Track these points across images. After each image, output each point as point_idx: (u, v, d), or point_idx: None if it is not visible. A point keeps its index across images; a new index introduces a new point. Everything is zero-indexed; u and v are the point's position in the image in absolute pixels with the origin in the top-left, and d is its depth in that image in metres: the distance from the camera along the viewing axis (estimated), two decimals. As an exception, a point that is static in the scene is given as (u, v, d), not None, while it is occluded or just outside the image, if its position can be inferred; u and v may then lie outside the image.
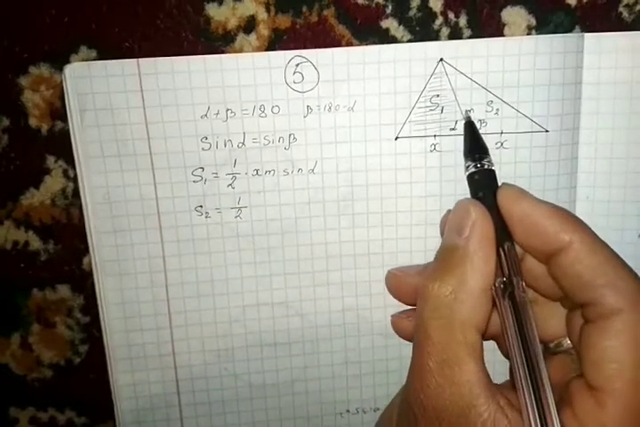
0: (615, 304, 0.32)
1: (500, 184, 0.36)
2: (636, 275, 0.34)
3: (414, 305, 0.37)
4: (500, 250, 0.35)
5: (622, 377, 0.32)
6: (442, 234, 0.37)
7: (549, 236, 0.34)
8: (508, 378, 0.36)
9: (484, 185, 0.37)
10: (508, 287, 0.35)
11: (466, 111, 0.45)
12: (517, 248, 0.36)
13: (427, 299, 0.35)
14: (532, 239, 0.35)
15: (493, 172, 0.37)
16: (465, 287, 0.34)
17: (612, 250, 0.34)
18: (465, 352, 0.33)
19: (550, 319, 0.38)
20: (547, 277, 0.36)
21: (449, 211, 0.37)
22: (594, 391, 0.32)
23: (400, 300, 0.38)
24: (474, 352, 0.34)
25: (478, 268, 0.34)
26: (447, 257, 0.36)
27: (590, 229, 0.34)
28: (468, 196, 0.45)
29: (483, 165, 0.37)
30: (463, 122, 0.39)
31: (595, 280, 0.33)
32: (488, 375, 0.34)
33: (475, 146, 0.37)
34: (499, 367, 0.38)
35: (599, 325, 0.33)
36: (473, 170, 0.37)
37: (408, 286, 0.38)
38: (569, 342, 0.37)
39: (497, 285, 0.35)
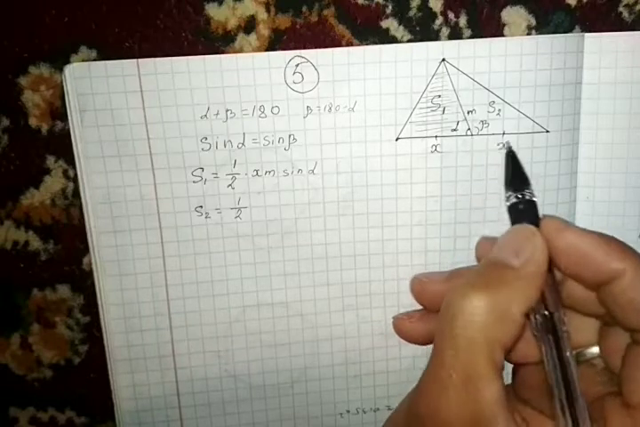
0: None
1: (541, 216, 0.36)
2: None
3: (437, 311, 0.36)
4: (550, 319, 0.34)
5: None
6: (477, 259, 0.37)
7: (599, 265, 0.34)
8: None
9: (525, 216, 0.36)
10: (548, 321, 0.34)
11: (507, 142, 0.44)
12: (557, 274, 0.35)
13: (459, 312, 0.34)
14: (580, 270, 0.34)
15: (535, 203, 0.36)
16: (509, 310, 0.33)
17: None
18: (492, 372, 0.33)
19: (579, 330, 0.37)
20: (587, 299, 0.35)
21: (483, 237, 0.37)
22: (632, 410, 0.32)
23: (424, 306, 0.37)
24: (498, 371, 0.33)
25: (527, 293, 0.34)
26: (495, 274, 0.35)
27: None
28: (469, 196, 0.45)
29: (524, 196, 0.36)
30: (505, 151, 0.38)
31: None
32: (507, 393, 0.33)
33: (517, 176, 0.37)
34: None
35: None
36: (514, 200, 0.36)
37: (433, 294, 0.37)
38: (593, 351, 0.37)
39: (538, 318, 0.34)
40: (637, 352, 0.33)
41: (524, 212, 0.36)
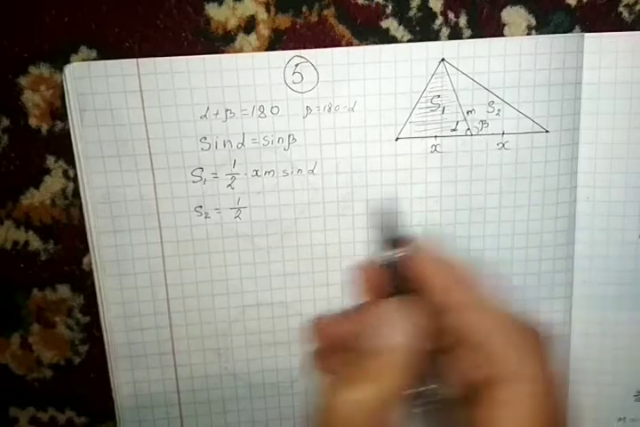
0: (499, 374, 0.34)
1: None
2: (521, 342, 0.35)
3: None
4: None
5: None
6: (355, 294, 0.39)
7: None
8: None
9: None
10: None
11: (382, 200, 0.45)
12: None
13: (339, 405, 0.35)
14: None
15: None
16: (385, 397, 0.35)
17: (501, 315, 0.36)
18: None
19: None
20: None
21: (359, 269, 0.39)
22: None
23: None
24: None
25: (400, 379, 0.35)
26: (368, 364, 0.36)
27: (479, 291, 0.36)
28: (468, 196, 0.45)
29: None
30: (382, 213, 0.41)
31: (483, 351, 0.35)
32: None
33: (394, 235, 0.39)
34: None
35: (486, 393, 0.34)
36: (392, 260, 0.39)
37: (333, 335, 0.40)
38: None
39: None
40: (485, 394, 0.35)
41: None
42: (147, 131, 0.44)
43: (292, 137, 0.45)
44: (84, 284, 0.48)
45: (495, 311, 0.36)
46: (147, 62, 0.43)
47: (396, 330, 0.36)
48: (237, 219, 0.46)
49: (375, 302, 0.39)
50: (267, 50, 0.44)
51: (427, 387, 0.37)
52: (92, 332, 0.49)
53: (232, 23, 0.44)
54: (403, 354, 0.35)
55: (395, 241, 0.39)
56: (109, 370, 0.48)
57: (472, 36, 0.45)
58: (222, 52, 0.44)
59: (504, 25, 0.45)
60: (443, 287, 0.37)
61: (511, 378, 0.34)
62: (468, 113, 0.45)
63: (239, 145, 0.45)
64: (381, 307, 0.37)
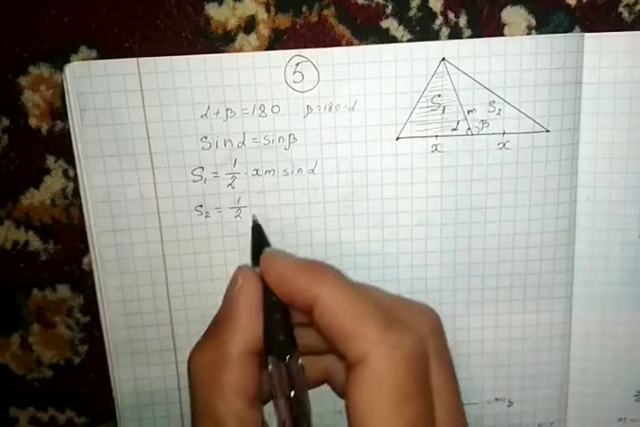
0: (358, 353, 0.32)
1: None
2: (386, 316, 0.34)
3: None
4: (283, 363, 0.35)
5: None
6: None
7: (299, 292, 0.34)
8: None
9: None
10: (281, 363, 0.35)
11: (253, 215, 0.44)
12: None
13: (192, 369, 0.36)
14: (287, 298, 0.35)
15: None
16: (223, 353, 0.35)
17: (358, 294, 0.34)
18: (232, 420, 0.34)
19: (313, 370, 0.39)
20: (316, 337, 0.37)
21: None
22: None
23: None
24: (241, 419, 0.34)
25: (237, 334, 0.35)
26: (212, 324, 0.37)
27: (337, 276, 0.35)
28: (469, 196, 0.45)
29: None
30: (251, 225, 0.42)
31: (340, 331, 0.33)
32: None
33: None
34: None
35: (350, 375, 0.33)
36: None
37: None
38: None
39: (270, 360, 0.35)
40: (350, 377, 0.33)
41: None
42: (147, 130, 0.44)
43: (292, 136, 0.45)
44: (84, 284, 0.48)
45: (348, 290, 0.34)
46: (147, 62, 0.43)
47: (237, 287, 0.36)
48: (238, 218, 0.46)
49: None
50: (267, 50, 0.44)
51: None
52: (92, 332, 0.49)
53: (232, 23, 0.44)
54: (241, 311, 0.35)
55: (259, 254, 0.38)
56: (110, 368, 0.48)
57: (472, 36, 0.45)
58: (222, 51, 0.44)
59: (504, 25, 0.45)
60: (288, 291, 0.36)
61: (366, 356, 0.32)
62: (468, 113, 0.45)
63: (240, 144, 0.45)
64: (235, 271, 0.37)
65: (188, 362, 0.36)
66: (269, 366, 0.35)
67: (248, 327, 0.35)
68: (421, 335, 0.34)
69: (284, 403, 0.35)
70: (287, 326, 0.36)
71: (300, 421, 0.35)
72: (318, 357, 0.39)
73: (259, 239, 0.40)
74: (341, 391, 0.40)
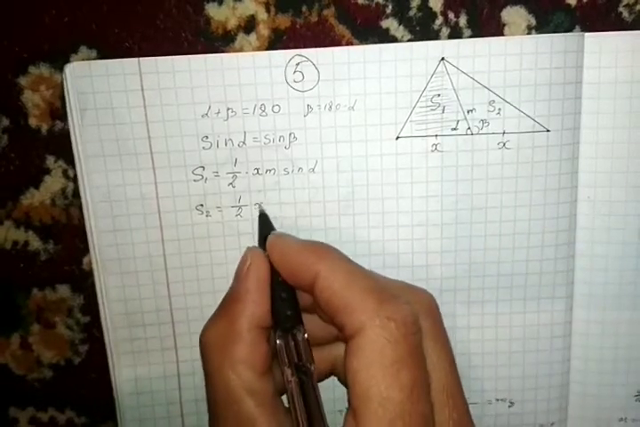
0: (355, 323, 0.34)
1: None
2: (382, 290, 0.35)
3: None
4: (292, 339, 0.37)
5: (367, 395, 0.32)
6: None
7: (301, 269, 0.36)
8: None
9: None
10: (288, 339, 0.37)
11: (259, 205, 0.46)
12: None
13: (203, 342, 0.38)
14: (292, 277, 0.37)
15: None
16: (233, 327, 0.36)
17: (357, 270, 0.36)
18: (243, 391, 0.35)
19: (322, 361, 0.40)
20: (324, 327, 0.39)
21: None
22: (354, 415, 0.33)
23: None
24: (251, 390, 0.35)
25: (246, 309, 0.37)
26: (223, 301, 0.39)
27: (338, 254, 0.37)
28: (469, 196, 0.45)
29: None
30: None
31: (339, 304, 0.35)
32: (277, 412, 0.36)
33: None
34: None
35: (348, 346, 0.34)
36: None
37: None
38: None
39: (278, 339, 0.37)
40: (345, 355, 0.34)
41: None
42: (148, 130, 0.44)
43: (292, 136, 0.45)
44: (84, 284, 0.48)
45: (347, 266, 0.36)
46: (148, 61, 0.43)
47: (246, 266, 0.38)
48: (239, 217, 0.46)
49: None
50: (267, 50, 0.45)
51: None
52: (92, 332, 0.49)
53: (232, 23, 0.44)
54: (250, 288, 0.37)
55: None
56: (110, 368, 0.47)
57: (472, 36, 0.45)
58: (222, 52, 0.44)
59: (504, 25, 0.45)
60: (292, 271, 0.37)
61: (363, 326, 0.33)
62: (468, 112, 0.45)
63: (240, 144, 0.45)
64: (245, 251, 0.39)
65: (200, 337, 0.38)
66: (277, 340, 0.37)
67: (257, 303, 0.37)
68: (415, 311, 0.35)
69: (292, 375, 0.36)
70: (293, 303, 0.38)
71: (309, 392, 0.36)
72: (324, 348, 0.40)
73: (265, 226, 0.42)
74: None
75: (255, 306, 0.37)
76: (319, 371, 0.39)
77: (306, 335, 0.37)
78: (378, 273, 0.40)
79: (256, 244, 0.46)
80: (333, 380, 0.41)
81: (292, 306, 0.38)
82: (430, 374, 0.35)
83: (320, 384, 0.37)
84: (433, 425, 0.34)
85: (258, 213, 0.44)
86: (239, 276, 0.38)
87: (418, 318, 0.35)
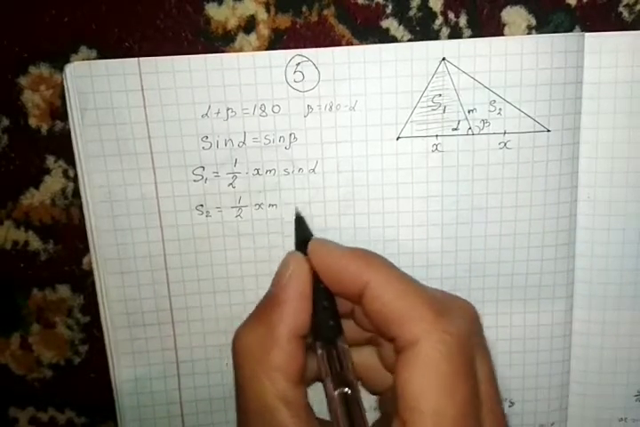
0: (410, 335, 0.33)
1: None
2: (437, 303, 0.35)
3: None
4: (333, 349, 0.37)
5: (419, 409, 0.32)
6: None
7: (349, 279, 0.36)
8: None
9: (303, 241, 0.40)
10: (331, 350, 0.37)
11: (296, 208, 0.45)
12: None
13: (238, 348, 0.37)
14: (337, 285, 0.37)
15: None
16: (272, 335, 0.36)
17: (409, 280, 0.36)
18: (277, 400, 0.35)
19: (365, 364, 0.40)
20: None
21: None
22: (403, 426, 0.33)
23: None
24: (285, 400, 0.35)
25: (287, 316, 0.36)
26: (261, 306, 0.38)
27: (388, 264, 0.37)
28: (470, 196, 0.45)
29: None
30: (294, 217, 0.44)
31: (391, 315, 0.34)
32: (310, 422, 0.35)
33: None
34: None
35: (401, 358, 0.34)
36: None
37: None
38: None
39: (319, 349, 0.37)
40: (397, 366, 0.34)
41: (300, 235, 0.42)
42: (148, 130, 0.44)
43: (293, 136, 0.45)
44: (84, 284, 0.48)
45: (398, 276, 0.36)
46: (148, 61, 0.43)
47: (289, 272, 0.37)
48: (238, 218, 0.46)
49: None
50: (267, 50, 0.44)
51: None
52: (92, 332, 0.49)
53: (232, 23, 0.44)
54: (292, 296, 0.37)
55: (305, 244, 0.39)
56: (110, 368, 0.47)
57: (472, 36, 0.45)
58: (222, 51, 0.44)
59: (504, 25, 0.45)
60: (337, 280, 0.37)
61: (418, 338, 0.33)
62: (469, 112, 0.45)
63: (240, 144, 0.45)
64: (286, 256, 0.39)
65: (234, 341, 0.37)
66: (319, 350, 0.37)
67: (298, 311, 0.36)
68: (468, 325, 0.35)
69: (336, 387, 0.36)
70: (334, 312, 0.38)
71: (352, 404, 0.35)
72: (354, 353, 0.39)
73: (303, 230, 0.42)
74: (373, 387, 0.40)
75: (297, 314, 0.36)
76: None
77: (346, 346, 0.37)
78: (424, 284, 0.39)
79: (255, 244, 0.46)
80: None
81: (333, 315, 0.37)
82: (480, 389, 0.35)
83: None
84: None
85: (294, 218, 0.43)
86: (280, 281, 0.37)
87: (472, 333, 0.35)
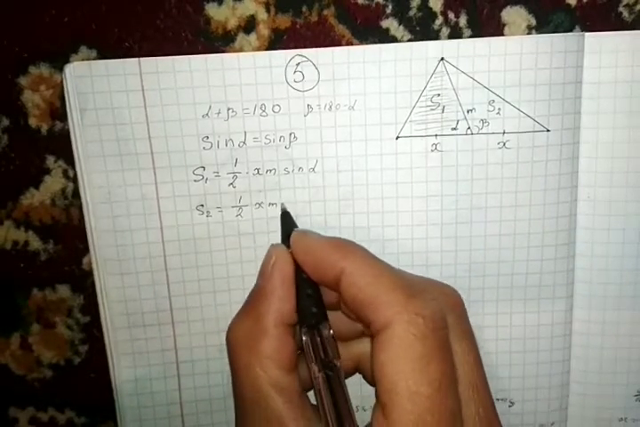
0: (383, 319, 0.34)
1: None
2: (409, 286, 0.35)
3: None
4: (316, 332, 0.37)
5: (395, 390, 0.33)
6: None
7: (327, 266, 0.37)
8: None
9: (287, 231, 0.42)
10: (328, 373, 0.37)
11: (282, 204, 0.46)
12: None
13: (230, 340, 0.38)
14: (317, 273, 0.37)
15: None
16: (260, 325, 0.37)
17: (383, 266, 0.37)
18: (270, 387, 0.36)
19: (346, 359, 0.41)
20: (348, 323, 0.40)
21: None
22: (383, 410, 0.33)
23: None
24: (278, 386, 0.36)
25: (273, 306, 0.37)
26: (249, 298, 0.39)
27: (363, 251, 0.37)
28: (469, 195, 0.45)
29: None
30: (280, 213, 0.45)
31: (366, 300, 0.35)
32: (304, 408, 0.36)
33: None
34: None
35: (376, 341, 0.34)
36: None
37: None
38: None
39: (303, 334, 0.37)
40: (372, 349, 0.35)
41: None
42: (148, 130, 0.44)
43: (293, 135, 0.45)
44: (84, 284, 0.48)
45: (372, 262, 0.37)
46: (148, 61, 0.43)
47: (271, 264, 0.38)
48: (239, 217, 0.46)
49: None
50: (267, 50, 0.45)
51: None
52: (92, 332, 0.49)
53: (232, 23, 0.44)
54: (276, 286, 0.37)
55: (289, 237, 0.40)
56: (110, 368, 0.47)
57: (472, 36, 0.45)
58: (222, 51, 0.44)
59: (504, 25, 0.45)
60: (315, 269, 0.38)
61: (390, 321, 0.34)
62: (468, 112, 0.45)
63: (241, 144, 0.45)
64: (269, 249, 0.40)
65: (227, 334, 0.38)
66: (303, 336, 0.37)
67: (283, 300, 0.37)
68: (442, 306, 0.35)
69: (320, 371, 0.36)
70: (318, 300, 0.38)
71: (336, 387, 0.36)
72: (348, 344, 0.40)
73: (288, 224, 0.43)
74: (372, 379, 0.41)
75: (281, 303, 0.37)
76: (344, 368, 0.39)
77: (331, 331, 0.37)
78: (402, 270, 0.40)
79: (255, 244, 0.46)
80: (359, 378, 0.42)
81: (317, 302, 0.38)
82: (457, 370, 0.35)
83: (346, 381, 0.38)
84: (460, 420, 0.34)
85: (280, 213, 0.44)
86: (264, 273, 0.38)
87: (445, 313, 0.35)
